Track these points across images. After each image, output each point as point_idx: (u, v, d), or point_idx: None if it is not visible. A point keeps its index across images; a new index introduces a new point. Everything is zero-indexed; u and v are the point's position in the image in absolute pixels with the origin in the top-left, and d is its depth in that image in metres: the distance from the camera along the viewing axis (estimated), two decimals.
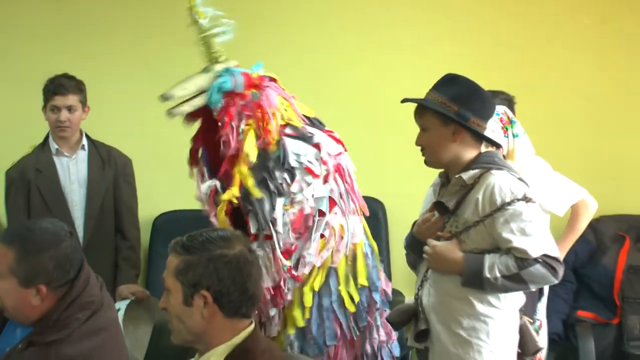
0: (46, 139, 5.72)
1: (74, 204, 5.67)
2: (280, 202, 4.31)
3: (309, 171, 4.35)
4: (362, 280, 4.52)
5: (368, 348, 4.56)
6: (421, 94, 4.50)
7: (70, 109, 5.54)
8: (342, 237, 4.43)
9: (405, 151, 5.46)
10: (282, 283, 4.34)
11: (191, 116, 4.39)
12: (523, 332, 3.90)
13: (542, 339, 4.57)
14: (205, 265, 2.92)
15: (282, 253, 4.31)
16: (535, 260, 3.61)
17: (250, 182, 4.29)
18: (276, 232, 4.30)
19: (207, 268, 2.91)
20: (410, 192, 5.55)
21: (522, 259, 3.61)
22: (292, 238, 4.34)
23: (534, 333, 3.98)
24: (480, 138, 3.83)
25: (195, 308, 2.90)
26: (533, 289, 3.83)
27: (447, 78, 3.92)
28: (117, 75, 6.41)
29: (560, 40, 6.16)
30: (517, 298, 3.85)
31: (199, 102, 4.28)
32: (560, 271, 3.67)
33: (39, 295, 3.39)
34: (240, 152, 4.31)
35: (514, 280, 3.64)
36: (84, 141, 5.75)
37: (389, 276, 5.68)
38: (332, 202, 4.42)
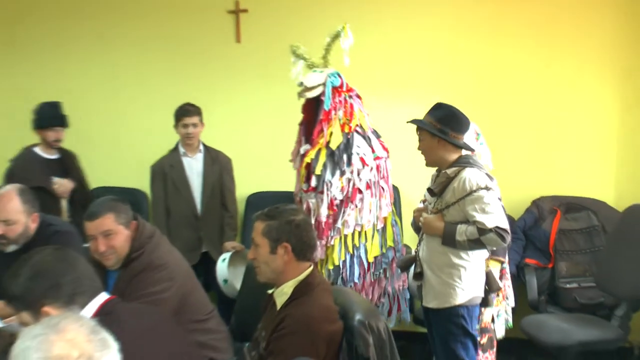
0: (177, 145, 5.84)
1: (194, 188, 5.81)
2: (337, 173, 4.47)
3: (362, 160, 4.53)
4: (390, 242, 4.67)
5: (390, 289, 4.70)
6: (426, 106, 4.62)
7: (194, 125, 5.68)
8: (370, 210, 4.55)
9: (413, 152, 5.69)
10: (324, 225, 4.50)
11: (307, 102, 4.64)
12: (488, 276, 4.06)
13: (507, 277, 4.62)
14: (283, 226, 3.11)
15: (329, 205, 4.47)
16: (490, 230, 3.76)
17: (322, 159, 4.48)
18: (328, 191, 4.47)
19: (285, 228, 3.11)
20: (415, 180, 5.59)
21: (482, 229, 3.78)
22: (339, 199, 4.48)
23: (496, 277, 4.13)
24: (457, 146, 3.97)
25: (278, 255, 3.10)
26: (489, 249, 4.01)
27: (435, 106, 4.04)
28: (222, 101, 6.44)
29: (516, 78, 5.89)
30: (481, 253, 4.00)
31: (317, 91, 4.50)
32: (508, 238, 3.81)
33: (133, 228, 3.69)
34: (326, 131, 4.50)
35: (476, 243, 3.83)
36: (201, 147, 5.86)
37: (401, 237, 5.80)
38: (367, 186, 4.54)
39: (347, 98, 4.58)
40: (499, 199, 4.04)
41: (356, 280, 4.53)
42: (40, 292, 2.52)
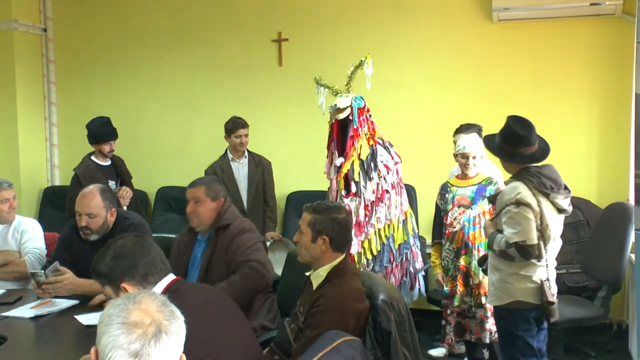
0: (226, 151, 5.89)
1: (241, 188, 5.83)
2: (367, 179, 4.51)
3: (386, 166, 4.58)
4: (410, 231, 4.71)
5: (411, 269, 4.70)
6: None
7: (245, 136, 5.74)
8: (395, 207, 4.59)
9: (427, 157, 5.66)
10: (363, 223, 4.51)
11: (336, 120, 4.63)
12: (542, 287, 3.59)
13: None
14: (326, 221, 3.10)
15: (364, 206, 4.50)
16: (511, 245, 3.50)
17: (357, 168, 4.51)
18: (364, 194, 4.50)
19: (328, 223, 3.09)
20: (429, 180, 5.60)
21: (507, 242, 3.52)
22: (371, 200, 4.50)
23: (548, 290, 3.59)
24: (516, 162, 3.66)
25: (317, 244, 3.10)
26: (517, 261, 3.56)
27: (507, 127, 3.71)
28: (267, 114, 6.45)
29: (507, 97, 5.79)
30: (530, 264, 3.60)
31: (346, 113, 4.53)
32: (528, 255, 3.50)
33: (219, 204, 3.92)
34: (357, 145, 4.54)
35: (504, 254, 3.58)
36: (246, 153, 5.91)
37: (417, 230, 5.74)
38: (392, 187, 4.59)
39: (368, 116, 4.63)
40: (562, 210, 3.64)
41: (386, 264, 4.57)
42: (120, 270, 2.62)
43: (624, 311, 5.51)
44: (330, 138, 4.76)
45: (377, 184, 4.53)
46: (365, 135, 4.57)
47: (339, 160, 4.61)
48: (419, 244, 4.84)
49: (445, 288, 4.70)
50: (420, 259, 4.78)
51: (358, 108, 4.55)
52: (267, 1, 6.52)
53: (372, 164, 4.54)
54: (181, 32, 6.78)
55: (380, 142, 4.64)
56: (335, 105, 4.54)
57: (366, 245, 4.55)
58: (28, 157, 6.92)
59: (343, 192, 4.59)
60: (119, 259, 2.63)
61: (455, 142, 4.91)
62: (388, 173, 4.57)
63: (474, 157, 4.56)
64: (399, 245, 4.62)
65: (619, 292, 4.99)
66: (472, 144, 4.56)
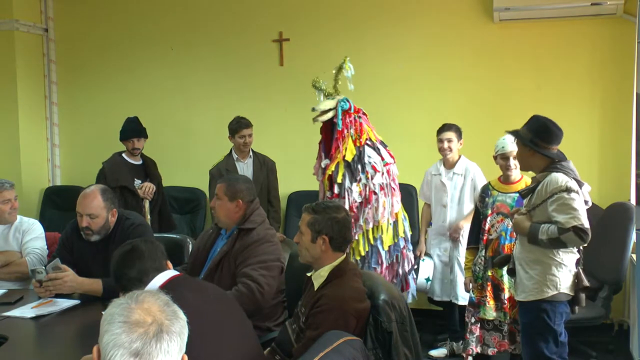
0: (230, 151, 5.86)
1: None
2: (354, 180, 4.46)
3: (374, 168, 4.51)
4: (401, 233, 4.64)
5: (400, 271, 4.66)
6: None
7: (249, 136, 5.72)
8: (384, 208, 4.54)
9: (428, 157, 5.66)
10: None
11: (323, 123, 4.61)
12: (577, 275, 3.66)
13: None
14: (325, 221, 3.11)
15: (350, 207, 4.42)
16: (569, 229, 3.47)
17: (341, 170, 4.46)
18: (349, 196, 4.45)
19: (327, 223, 3.11)
20: None
21: (561, 228, 3.49)
22: (358, 201, 4.47)
23: (583, 277, 3.68)
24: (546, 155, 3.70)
25: (317, 244, 3.11)
26: (570, 248, 3.63)
27: (531, 118, 3.77)
28: (269, 114, 6.47)
29: (513, 99, 5.86)
30: (570, 253, 3.68)
31: (330, 114, 4.51)
32: (587, 238, 3.52)
33: (238, 206, 3.87)
34: (342, 147, 4.51)
35: (556, 242, 3.54)
36: (251, 153, 5.85)
37: (416, 229, 5.64)
38: (381, 188, 4.53)
39: (357, 118, 4.60)
40: (586, 202, 3.68)
41: (375, 266, 4.54)
42: (113, 279, 2.87)
43: (625, 311, 5.51)
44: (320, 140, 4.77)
45: (365, 185, 4.50)
46: (352, 137, 4.54)
47: (324, 162, 4.62)
48: (410, 247, 4.80)
49: (472, 295, 4.57)
50: (411, 261, 4.77)
51: (343, 110, 4.53)
52: (268, 1, 6.54)
53: (359, 166, 4.51)
54: (182, 32, 6.80)
55: (370, 143, 4.61)
56: (314, 109, 4.52)
57: (354, 245, 4.53)
58: (29, 157, 6.94)
59: (328, 194, 4.59)
60: (111, 271, 2.86)
61: (439, 140, 5.06)
62: (376, 174, 4.53)
63: (514, 157, 4.32)
64: (389, 247, 4.60)
65: (620, 292, 4.98)
66: (513, 142, 4.24)
